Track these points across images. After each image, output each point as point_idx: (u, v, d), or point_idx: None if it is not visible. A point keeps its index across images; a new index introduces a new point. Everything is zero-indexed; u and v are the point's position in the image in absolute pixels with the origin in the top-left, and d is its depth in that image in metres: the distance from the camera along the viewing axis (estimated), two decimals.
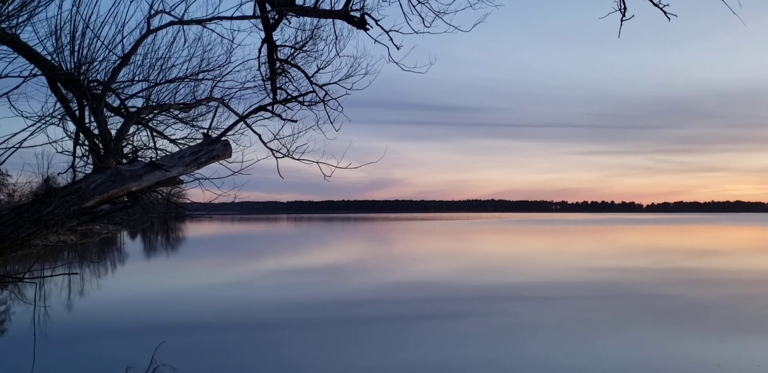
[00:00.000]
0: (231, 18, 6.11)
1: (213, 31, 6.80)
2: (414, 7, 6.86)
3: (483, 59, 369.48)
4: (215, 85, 7.20)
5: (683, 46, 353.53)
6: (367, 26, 7.35)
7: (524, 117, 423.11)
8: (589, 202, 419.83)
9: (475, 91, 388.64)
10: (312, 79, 7.91)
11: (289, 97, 7.36)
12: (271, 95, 7.42)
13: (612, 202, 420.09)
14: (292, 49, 7.95)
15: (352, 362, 8.06)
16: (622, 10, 7.20)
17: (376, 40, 7.07)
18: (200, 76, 7.38)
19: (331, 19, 7.62)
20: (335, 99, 7.91)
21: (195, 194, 7.15)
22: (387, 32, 7.50)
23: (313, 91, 7.65)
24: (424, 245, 36.23)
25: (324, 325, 10.72)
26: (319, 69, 8.10)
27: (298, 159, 6.92)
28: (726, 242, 39.55)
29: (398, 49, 7.62)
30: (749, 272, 19.45)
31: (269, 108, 6.85)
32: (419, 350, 8.75)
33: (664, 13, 7.24)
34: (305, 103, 7.74)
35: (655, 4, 7.13)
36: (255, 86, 7.64)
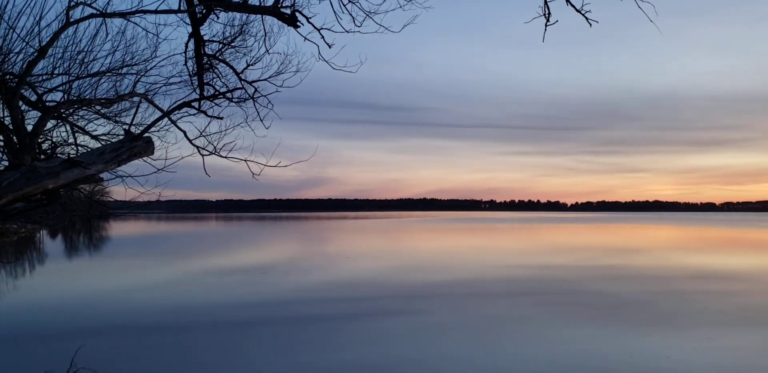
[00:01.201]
0: (156, 12, 5.93)
1: (137, 25, 6.59)
2: (344, 6, 6.86)
3: (418, 60, 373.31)
4: (138, 80, 6.98)
5: (609, 51, 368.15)
6: (298, 23, 7.30)
7: (457, 117, 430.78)
8: (517, 201, 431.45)
9: (410, 92, 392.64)
10: (241, 75, 7.77)
11: (216, 93, 7.21)
12: (198, 91, 7.24)
13: (538, 201, 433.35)
14: (221, 45, 7.79)
15: (281, 362, 8.00)
16: (547, 16, 7.43)
17: (305, 38, 7.03)
18: (124, 70, 7.15)
19: (260, 15, 7.53)
20: (265, 96, 7.80)
21: (118, 191, 6.92)
22: (318, 30, 7.46)
23: (242, 88, 7.52)
24: (356, 243, 36.28)
25: (253, 325, 10.59)
26: (248, 65, 7.98)
27: (225, 157, 6.78)
28: (644, 240, 41.45)
29: (330, 47, 7.60)
30: (665, 269, 20.46)
31: (194, 104, 6.69)
32: (350, 349, 8.78)
33: (586, 19, 7.50)
34: (234, 100, 7.60)
35: (577, 10, 7.40)
36: (181, 82, 7.44)
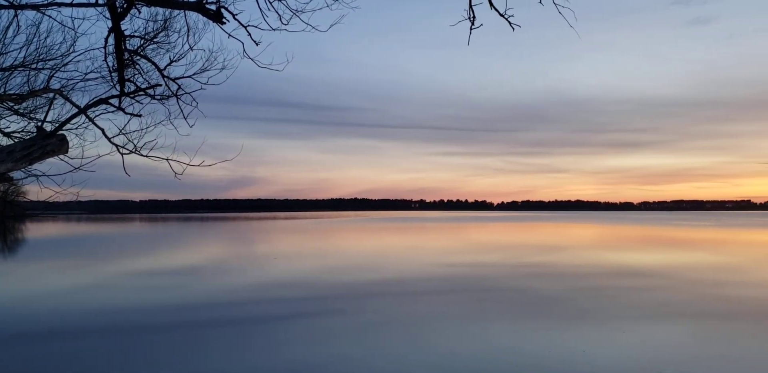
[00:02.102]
0: (72, 5, 5.70)
1: (53, 18, 6.32)
2: (271, 3, 6.79)
3: (347, 60, 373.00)
4: (53, 75, 6.70)
5: (532, 55, 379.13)
6: (224, 20, 7.17)
7: (387, 118, 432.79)
8: (446, 200, 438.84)
9: (340, 91, 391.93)
10: (164, 72, 7.57)
11: (137, 89, 6.99)
12: (118, 87, 7.00)
13: (466, 200, 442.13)
14: (143, 40, 7.57)
15: (214, 365, 7.84)
16: (472, 19, 7.60)
17: (230, 35, 6.91)
18: (39, 65, 6.85)
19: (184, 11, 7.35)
20: (189, 93, 7.63)
21: (34, 191, 6.61)
22: (245, 27, 7.35)
23: (163, 84, 7.33)
24: (285, 244, 35.93)
25: (179, 328, 10.33)
26: (171, 61, 7.78)
27: (146, 155, 6.58)
28: (566, 238, 42.96)
29: (257, 44, 7.51)
30: (585, 266, 21.28)
31: (112, 101, 6.46)
32: (283, 349, 8.70)
33: (509, 23, 7.72)
34: (156, 97, 7.40)
35: (500, 14, 7.60)
36: (99, 77, 7.19)
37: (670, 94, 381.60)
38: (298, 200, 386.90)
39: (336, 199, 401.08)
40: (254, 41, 7.38)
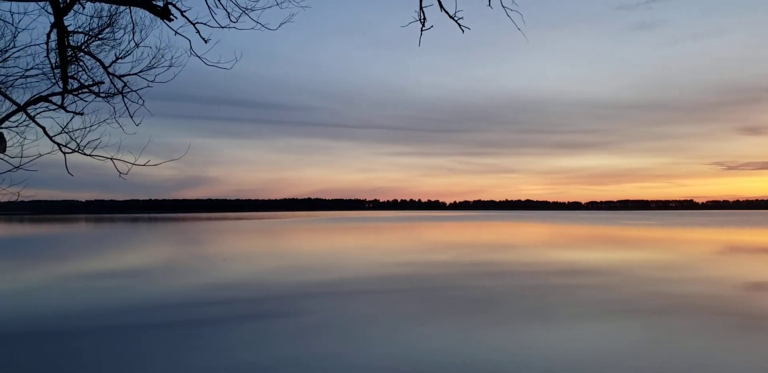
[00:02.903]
0: None
1: None
2: (219, 1, 6.72)
3: (301, 59, 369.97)
4: None
5: (483, 57, 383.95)
6: (172, 17, 7.05)
7: (340, 117, 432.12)
8: (399, 200, 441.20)
9: (294, 90, 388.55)
10: (109, 69, 7.41)
11: (80, 86, 6.81)
12: (60, 84, 6.81)
13: (419, 200, 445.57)
14: (87, 37, 7.39)
15: (158, 368, 7.69)
16: (422, 21, 7.69)
17: (176, 32, 6.81)
18: None
19: (131, 7, 7.20)
20: (135, 91, 7.49)
21: None
22: (194, 24, 7.25)
23: (107, 82, 7.16)
24: (235, 245, 35.46)
25: (121, 332, 10.09)
26: (117, 58, 7.62)
27: (90, 155, 6.41)
28: (516, 237, 43.71)
29: (206, 42, 7.41)
30: (534, 264, 21.71)
31: (53, 99, 6.29)
32: (231, 351, 8.60)
33: (459, 25, 7.85)
34: (101, 95, 7.23)
35: (450, 17, 7.70)
36: (40, 74, 6.97)
37: (616, 96, 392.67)
38: (250, 200, 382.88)
39: (289, 199, 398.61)
40: (203, 39, 7.29)
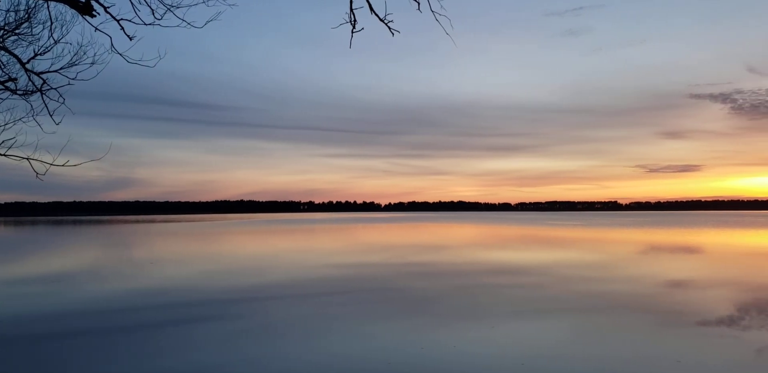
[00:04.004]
0: None
1: None
2: None
3: (232, 58, 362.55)
4: None
5: (417, 60, 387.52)
6: (94, 12, 6.82)
7: (274, 118, 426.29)
8: (335, 202, 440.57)
9: (225, 90, 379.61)
10: (27, 65, 7.10)
11: None
12: None
13: (354, 202, 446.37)
14: (2, 31, 7.06)
15: None
16: (353, 23, 7.71)
17: (97, 28, 6.59)
18: None
19: (51, 2, 6.91)
20: (55, 89, 7.20)
21: None
22: (118, 21, 7.04)
23: (24, 78, 6.86)
24: (163, 248, 34.51)
25: (45, 339, 9.66)
26: (36, 54, 7.31)
27: (4, 154, 6.13)
28: (449, 237, 44.38)
29: (131, 39, 7.20)
30: (466, 264, 22.11)
31: None
32: (161, 358, 8.37)
33: (389, 28, 7.91)
34: (18, 92, 6.92)
35: (381, 19, 7.75)
36: None
37: (544, 101, 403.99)
38: (179, 202, 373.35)
39: (221, 201, 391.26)
40: (128, 36, 7.09)
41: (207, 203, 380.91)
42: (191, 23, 6.54)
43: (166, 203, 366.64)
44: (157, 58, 7.12)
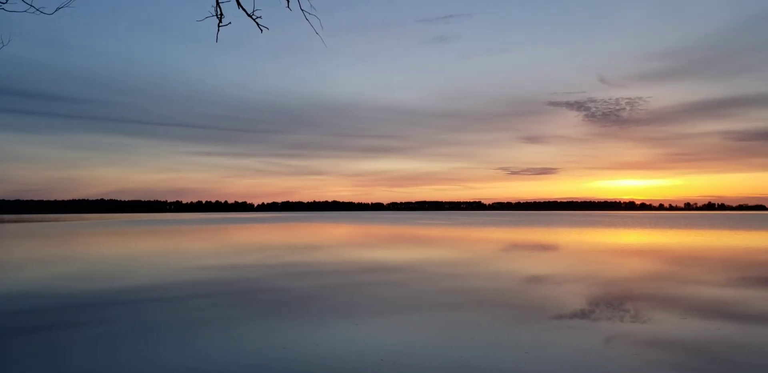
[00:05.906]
0: None
1: None
2: None
3: (91, 48, 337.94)
4: None
5: (289, 58, 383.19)
6: None
7: (138, 113, 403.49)
8: (204, 202, 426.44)
9: (84, 82, 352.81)
10: None
11: None
12: None
13: (226, 201, 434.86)
14: None
15: None
16: (219, 17, 7.65)
17: None
18: None
19: None
20: None
21: None
22: None
23: None
24: (15, 251, 31.90)
25: None
26: None
27: None
28: (321, 237, 44.60)
29: None
30: (336, 264, 22.46)
31: None
32: (10, 368, 7.90)
33: (258, 24, 7.93)
34: None
35: (248, 15, 7.76)
36: None
37: (415, 104, 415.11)
38: (32, 200, 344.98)
39: (79, 200, 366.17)
40: None
41: (63, 201, 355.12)
42: (40, 9, 6.12)
43: (17, 201, 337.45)
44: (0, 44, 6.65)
